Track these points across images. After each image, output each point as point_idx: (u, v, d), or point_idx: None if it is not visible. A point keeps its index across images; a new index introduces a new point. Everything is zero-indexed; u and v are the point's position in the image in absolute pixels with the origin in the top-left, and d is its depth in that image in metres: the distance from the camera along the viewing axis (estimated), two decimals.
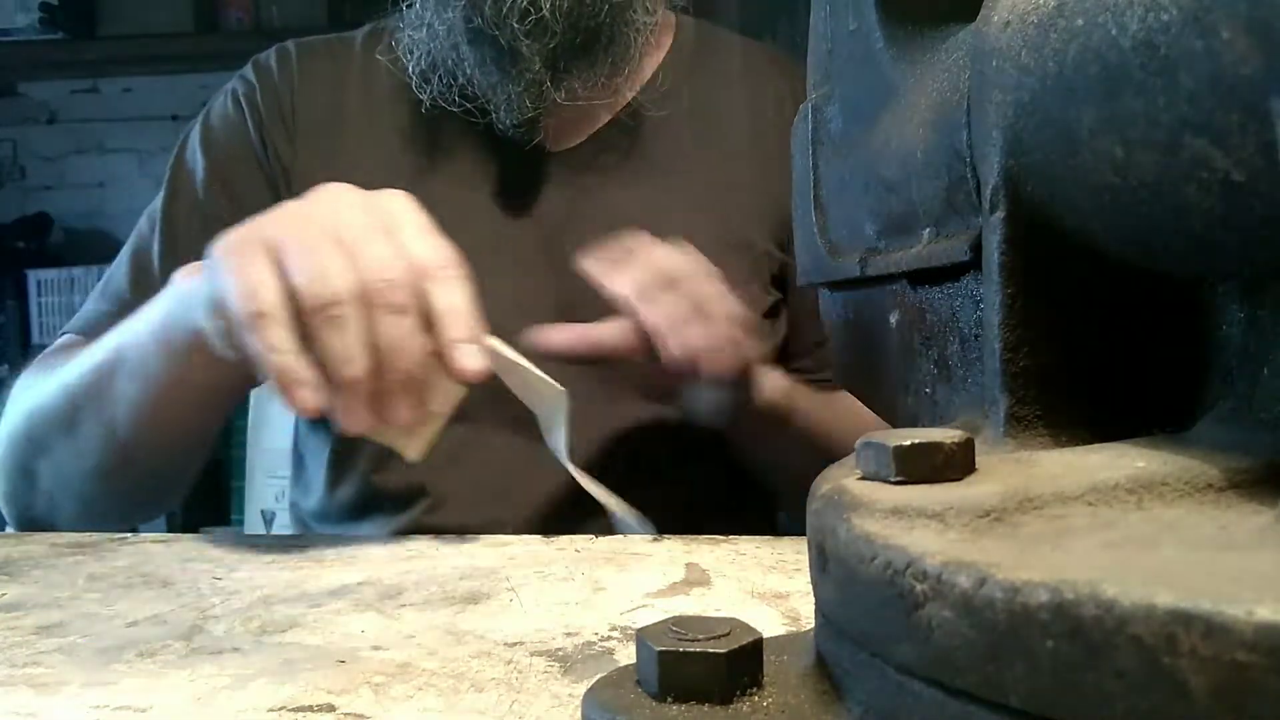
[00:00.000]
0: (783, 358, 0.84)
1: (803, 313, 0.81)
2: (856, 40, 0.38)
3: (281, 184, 0.79)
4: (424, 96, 0.75)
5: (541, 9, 0.69)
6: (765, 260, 0.80)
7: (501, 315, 0.76)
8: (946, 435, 0.24)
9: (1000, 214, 0.27)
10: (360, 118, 0.80)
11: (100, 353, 0.64)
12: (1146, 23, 0.21)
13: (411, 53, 0.76)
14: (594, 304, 0.75)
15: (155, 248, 0.79)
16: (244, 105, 0.81)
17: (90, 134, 2.68)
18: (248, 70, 0.83)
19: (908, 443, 0.23)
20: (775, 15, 1.71)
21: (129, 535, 0.56)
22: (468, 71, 0.73)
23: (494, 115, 0.74)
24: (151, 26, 2.36)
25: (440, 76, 0.75)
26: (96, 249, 2.66)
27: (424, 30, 0.75)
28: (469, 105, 0.74)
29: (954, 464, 0.23)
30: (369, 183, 0.78)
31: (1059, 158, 0.25)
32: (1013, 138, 0.26)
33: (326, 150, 0.79)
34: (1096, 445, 0.25)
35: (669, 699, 0.23)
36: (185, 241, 0.77)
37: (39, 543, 0.54)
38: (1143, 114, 0.21)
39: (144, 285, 0.76)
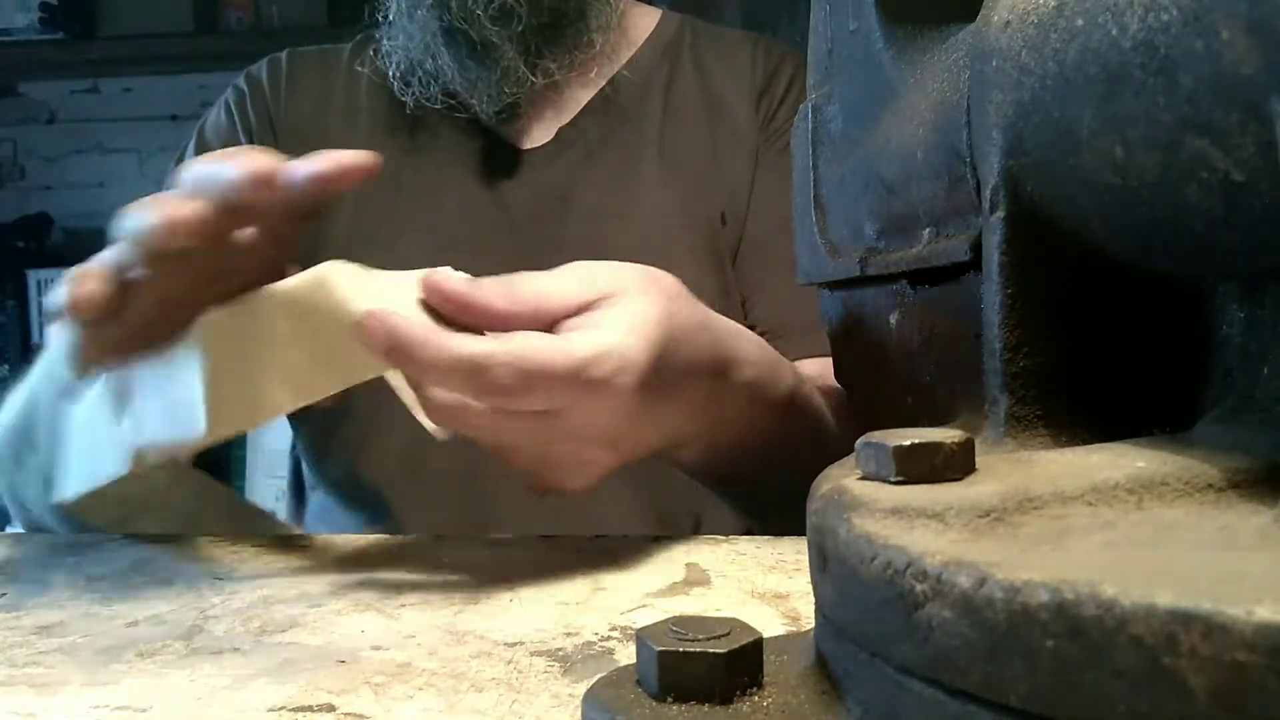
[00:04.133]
0: None
1: (754, 291, 0.80)
2: (856, 40, 0.38)
3: None
4: (407, 99, 0.77)
5: None
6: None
7: None
8: (946, 435, 0.24)
9: (1000, 214, 0.27)
10: (343, 123, 0.81)
11: (23, 395, 0.64)
12: (1146, 23, 0.21)
13: (390, 58, 0.78)
14: None
15: None
16: (235, 114, 0.82)
17: (90, 134, 2.68)
18: (240, 80, 0.85)
19: (908, 443, 0.23)
20: (775, 14, 1.71)
21: (129, 535, 0.56)
22: (446, 72, 0.75)
23: (476, 107, 0.76)
24: (151, 26, 2.36)
25: (420, 79, 0.76)
26: (96, 249, 2.65)
27: (400, 37, 0.77)
28: (452, 102, 0.76)
29: (954, 464, 0.23)
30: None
31: (1059, 158, 0.25)
32: (1013, 138, 0.26)
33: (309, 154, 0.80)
34: (1096, 445, 0.25)
35: (669, 699, 0.23)
36: None
37: (39, 543, 0.54)
38: (1143, 114, 0.22)
39: None
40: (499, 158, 0.79)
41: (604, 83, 0.82)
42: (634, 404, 0.44)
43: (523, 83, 0.73)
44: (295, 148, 0.79)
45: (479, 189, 0.79)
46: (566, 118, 0.80)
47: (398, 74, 0.77)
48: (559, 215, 0.78)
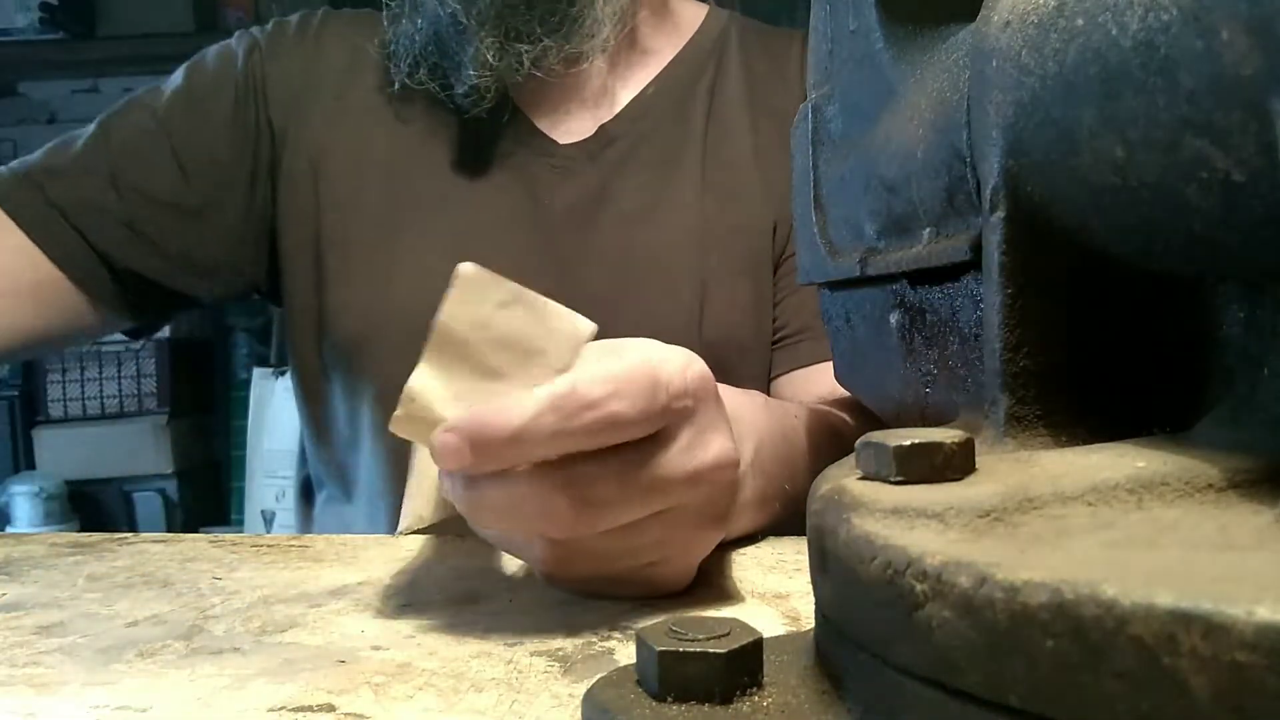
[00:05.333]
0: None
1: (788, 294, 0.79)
2: (856, 40, 0.38)
3: (264, 142, 0.78)
4: (406, 81, 0.75)
5: None
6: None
7: None
8: (946, 435, 0.24)
9: (1000, 214, 0.27)
10: (367, 99, 0.79)
11: None
12: (1146, 23, 0.21)
13: (399, 43, 0.76)
14: (603, 299, 0.74)
15: (82, 133, 0.78)
16: (237, 61, 0.80)
17: None
18: (268, 27, 0.82)
19: (908, 443, 0.23)
20: (775, 14, 1.71)
21: (129, 535, 0.56)
22: (440, 56, 0.74)
23: (454, 90, 0.74)
24: (151, 26, 2.36)
25: (423, 65, 0.75)
26: None
27: (403, 22, 0.76)
28: (451, 91, 0.74)
29: (954, 464, 0.23)
30: (375, 165, 0.77)
31: (1059, 158, 0.25)
32: (1013, 138, 0.26)
33: (334, 124, 0.78)
34: (1096, 445, 0.25)
35: (669, 699, 0.23)
36: (119, 137, 0.77)
37: (39, 543, 0.54)
38: (1143, 114, 0.22)
39: (52, 160, 0.76)
40: (536, 151, 0.77)
41: (649, 80, 0.80)
42: (737, 471, 0.39)
43: (494, 69, 0.71)
44: (319, 110, 0.78)
45: (514, 182, 0.77)
46: (609, 115, 0.78)
47: (407, 61, 0.75)
48: (593, 215, 0.76)
